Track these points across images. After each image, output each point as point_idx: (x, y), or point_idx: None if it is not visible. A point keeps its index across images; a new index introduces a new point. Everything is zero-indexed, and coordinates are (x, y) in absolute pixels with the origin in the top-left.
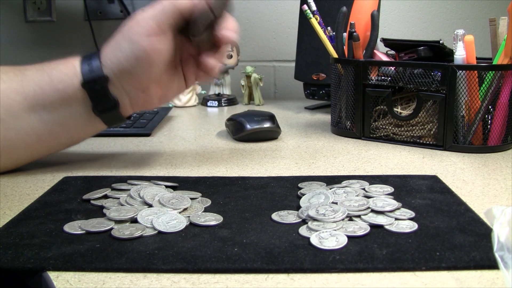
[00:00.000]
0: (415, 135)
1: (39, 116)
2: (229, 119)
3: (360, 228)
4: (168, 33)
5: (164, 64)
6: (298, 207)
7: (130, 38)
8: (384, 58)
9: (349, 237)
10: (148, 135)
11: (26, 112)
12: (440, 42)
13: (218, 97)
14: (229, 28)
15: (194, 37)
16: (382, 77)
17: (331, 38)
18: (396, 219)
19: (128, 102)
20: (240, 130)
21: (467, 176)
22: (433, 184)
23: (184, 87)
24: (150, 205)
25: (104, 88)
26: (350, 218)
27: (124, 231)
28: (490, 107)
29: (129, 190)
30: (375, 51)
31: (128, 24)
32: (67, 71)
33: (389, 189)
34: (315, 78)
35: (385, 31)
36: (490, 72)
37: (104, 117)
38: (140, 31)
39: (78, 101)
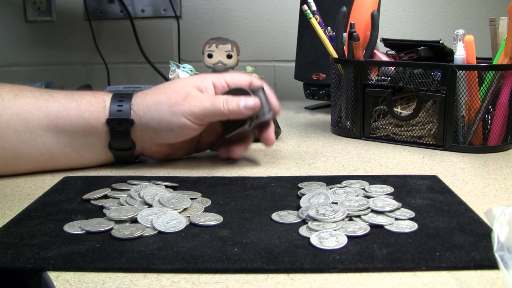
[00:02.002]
0: (415, 135)
1: (57, 137)
2: None
3: (360, 228)
4: (205, 124)
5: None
6: (298, 207)
7: (174, 110)
8: (384, 58)
9: (349, 237)
10: None
11: (44, 130)
12: (440, 42)
13: None
14: (267, 137)
15: (225, 135)
16: (382, 77)
17: (331, 38)
18: (396, 219)
19: (140, 148)
20: None
21: (467, 176)
22: (433, 184)
23: (193, 151)
24: (150, 205)
25: (126, 130)
26: (350, 218)
27: (124, 231)
28: (490, 107)
29: (129, 190)
30: (375, 51)
31: (178, 93)
32: (96, 103)
33: (389, 189)
34: (315, 78)
35: (385, 31)
36: (490, 72)
37: (117, 154)
38: (186, 111)
39: (99, 134)
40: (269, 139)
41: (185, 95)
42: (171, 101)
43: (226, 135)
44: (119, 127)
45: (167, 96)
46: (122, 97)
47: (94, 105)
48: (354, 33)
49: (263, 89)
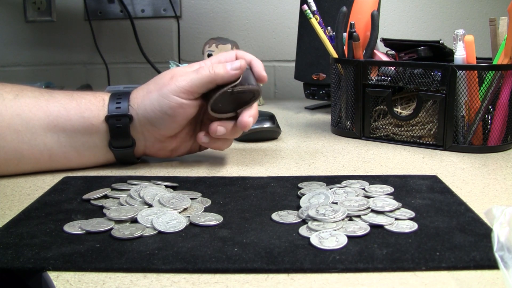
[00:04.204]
0: (415, 135)
1: (57, 137)
2: None
3: (360, 228)
4: (198, 98)
5: (186, 123)
6: (298, 207)
7: (162, 92)
8: (384, 58)
9: (349, 237)
10: None
11: (45, 130)
12: (440, 42)
13: None
14: (251, 115)
15: (210, 108)
16: (382, 77)
17: (331, 38)
18: (396, 219)
19: (142, 145)
20: None
21: (467, 176)
22: (433, 184)
23: (196, 149)
24: (150, 205)
25: (126, 127)
26: (350, 218)
27: (124, 231)
28: (490, 107)
29: (129, 190)
30: (375, 51)
31: (164, 77)
32: (96, 101)
33: (389, 189)
34: (315, 78)
35: (385, 31)
36: (490, 72)
37: (118, 153)
38: (174, 89)
39: (99, 133)
40: (243, 122)
41: (170, 76)
42: (158, 86)
43: (209, 102)
44: (118, 123)
45: (155, 83)
46: (120, 95)
47: (94, 104)
48: (354, 33)
49: (248, 67)
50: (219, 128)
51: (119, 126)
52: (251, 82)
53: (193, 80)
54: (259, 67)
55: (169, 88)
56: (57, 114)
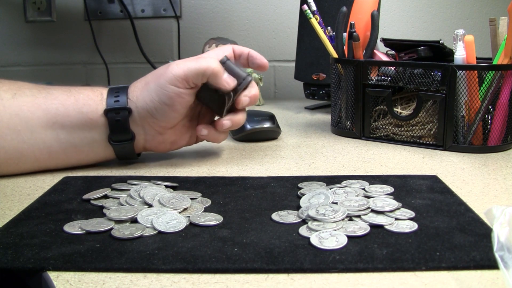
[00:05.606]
0: (415, 135)
1: (56, 134)
2: None
3: (360, 228)
4: (195, 88)
5: (185, 113)
6: (298, 207)
7: (160, 83)
8: (384, 58)
9: (349, 237)
10: None
11: (44, 128)
12: (440, 42)
13: None
14: (246, 95)
15: (218, 114)
16: (382, 77)
17: (331, 38)
18: (396, 219)
19: (142, 139)
20: (240, 130)
21: (467, 176)
22: (433, 184)
23: (194, 141)
24: (150, 205)
25: (125, 120)
26: (350, 218)
27: (124, 231)
28: (490, 107)
29: (129, 190)
30: (375, 51)
31: (162, 69)
32: (94, 96)
33: (389, 189)
34: (315, 78)
35: (385, 31)
36: (490, 72)
37: (117, 148)
38: (170, 78)
39: (98, 128)
40: (239, 100)
41: (167, 66)
42: (156, 76)
43: (219, 114)
44: (117, 117)
45: (153, 74)
46: (118, 89)
47: (92, 99)
48: (354, 33)
49: (228, 59)
50: (225, 122)
51: (118, 119)
52: (240, 77)
53: (190, 68)
54: (258, 56)
55: (166, 77)
56: (55, 112)
